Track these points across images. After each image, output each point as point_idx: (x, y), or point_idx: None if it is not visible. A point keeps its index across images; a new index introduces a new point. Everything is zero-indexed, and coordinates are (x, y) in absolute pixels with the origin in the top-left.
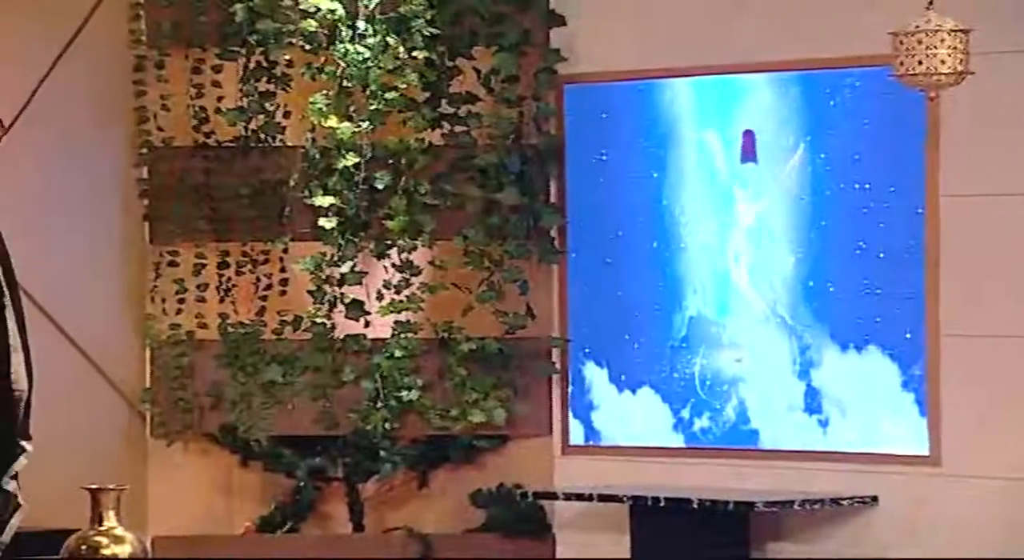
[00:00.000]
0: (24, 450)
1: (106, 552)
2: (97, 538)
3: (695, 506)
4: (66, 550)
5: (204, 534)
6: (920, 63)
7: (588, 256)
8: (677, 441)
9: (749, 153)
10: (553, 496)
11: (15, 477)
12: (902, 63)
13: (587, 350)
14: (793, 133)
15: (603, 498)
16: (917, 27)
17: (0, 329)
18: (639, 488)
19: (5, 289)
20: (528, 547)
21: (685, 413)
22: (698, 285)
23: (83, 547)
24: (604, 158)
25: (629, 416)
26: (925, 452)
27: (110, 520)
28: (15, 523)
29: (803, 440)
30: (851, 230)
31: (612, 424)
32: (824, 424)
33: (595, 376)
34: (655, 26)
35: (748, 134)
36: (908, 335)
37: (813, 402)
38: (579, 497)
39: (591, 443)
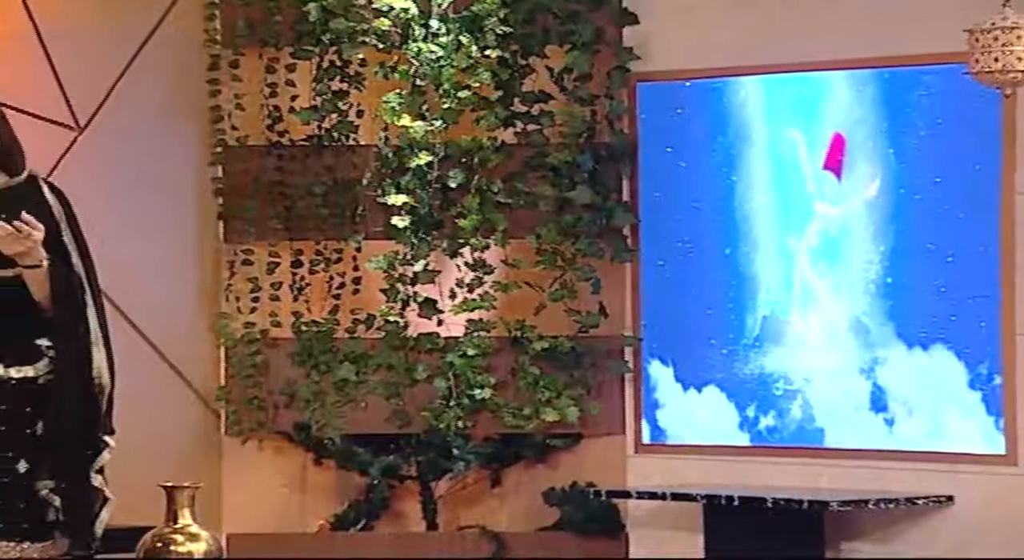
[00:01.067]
0: (107, 444)
1: (181, 549)
2: (173, 535)
3: (769, 505)
4: (142, 547)
5: (278, 532)
6: (996, 60)
7: (660, 255)
8: (742, 440)
9: (835, 162)
10: (626, 495)
11: (100, 471)
12: (977, 61)
13: (653, 348)
14: (867, 131)
15: (676, 497)
16: (993, 24)
17: (83, 326)
18: (712, 487)
19: (87, 287)
20: (601, 546)
21: (751, 412)
22: (771, 284)
23: (159, 544)
24: (677, 156)
25: (694, 415)
26: (1000, 451)
27: (185, 518)
28: (104, 517)
29: (868, 439)
30: (924, 229)
31: (678, 422)
32: (890, 423)
33: (660, 374)
34: (729, 24)
35: (837, 140)
36: (977, 334)
37: (879, 401)
38: (652, 496)
39: (659, 441)
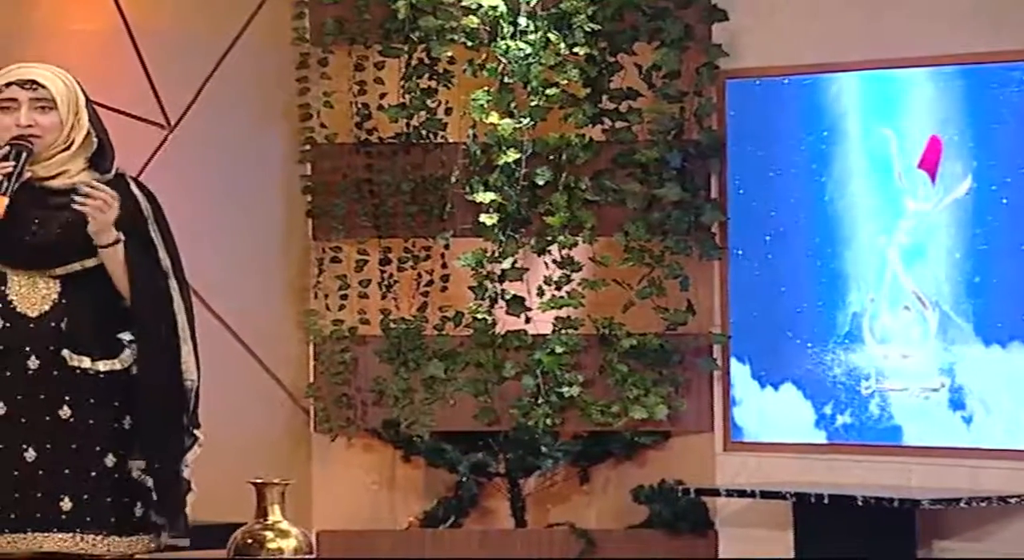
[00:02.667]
0: (197, 438)
1: (271, 546)
2: (263, 532)
3: (859, 504)
4: (233, 543)
5: (367, 529)
6: None
7: (749, 252)
8: (819, 438)
9: (931, 163)
10: (715, 493)
11: (188, 464)
12: None
13: (736, 345)
14: (957, 128)
15: (766, 495)
16: None
17: (169, 321)
18: (802, 485)
19: (174, 282)
20: (690, 544)
21: (828, 409)
22: (860, 281)
23: (250, 541)
24: (766, 153)
25: (771, 412)
26: None
27: (275, 514)
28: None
29: (947, 437)
30: (1014, 226)
31: (755, 420)
32: (967, 421)
33: (737, 372)
34: (819, 20)
35: (934, 143)
36: None
37: (957, 399)
38: (741, 494)
39: (737, 439)
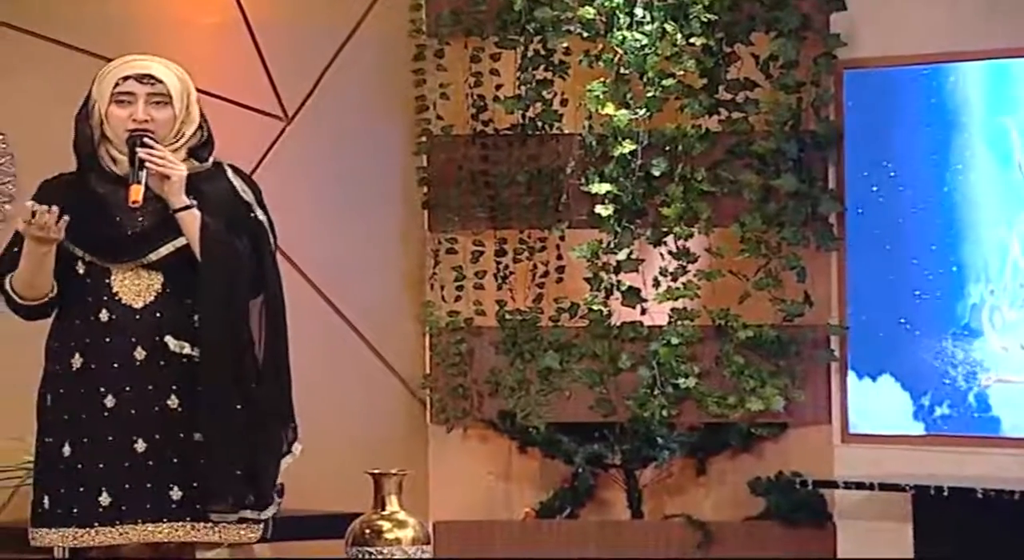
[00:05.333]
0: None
1: (389, 536)
2: (380, 522)
3: (979, 496)
4: (351, 533)
5: (484, 520)
6: None
7: (867, 243)
8: (917, 429)
9: None
10: (833, 484)
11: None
12: None
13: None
14: None
15: (884, 487)
16: None
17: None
18: (921, 477)
19: (267, 272)
20: (808, 536)
21: (926, 400)
22: (980, 273)
23: (367, 531)
24: (884, 144)
25: (869, 403)
26: None
27: (393, 505)
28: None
29: None
30: None
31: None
32: None
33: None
34: (937, 9)
35: None
36: None
37: None
38: (860, 486)
39: (869, 431)
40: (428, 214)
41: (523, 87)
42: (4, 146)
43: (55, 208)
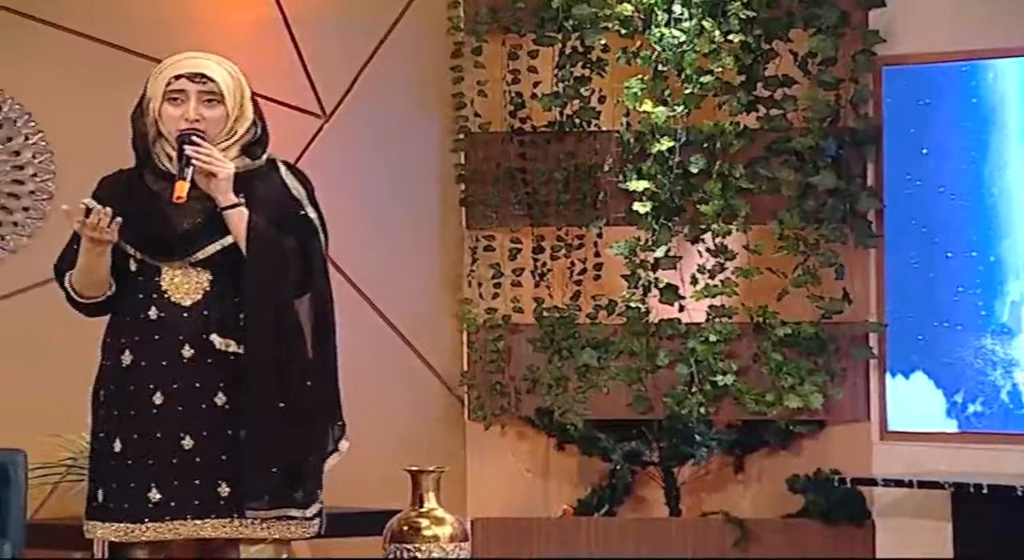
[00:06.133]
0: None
1: (427, 533)
2: (418, 519)
3: (1019, 493)
4: (389, 530)
5: (522, 517)
6: None
7: (905, 240)
8: (950, 426)
9: None
10: (872, 482)
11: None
12: None
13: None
14: None
15: (923, 485)
16: None
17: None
18: (959, 475)
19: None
20: (846, 534)
21: (958, 397)
22: (1019, 270)
23: (405, 528)
24: (923, 141)
25: (902, 400)
26: None
27: (430, 501)
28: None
29: None
30: None
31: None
32: None
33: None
34: (977, 6)
35: None
36: None
37: None
38: (899, 484)
39: (908, 429)
40: (465, 211)
41: (561, 84)
42: (44, 144)
43: (108, 209)
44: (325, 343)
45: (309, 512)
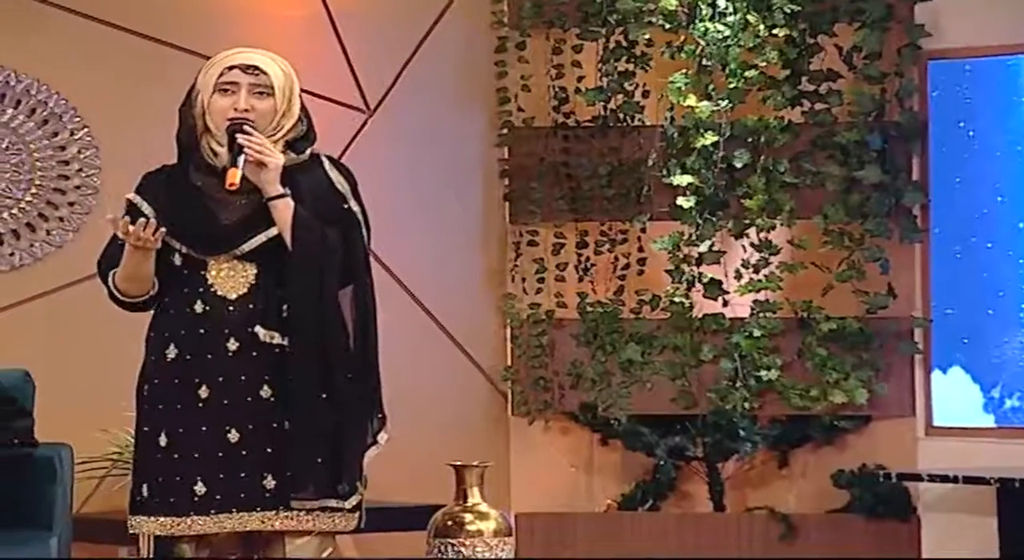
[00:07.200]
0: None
1: (471, 528)
2: (463, 514)
3: None
4: (433, 525)
5: (566, 511)
6: None
7: (951, 234)
8: (987, 421)
9: None
10: (917, 477)
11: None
12: None
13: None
14: None
15: (968, 480)
16: None
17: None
18: (1004, 470)
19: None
20: (891, 529)
21: (995, 392)
22: None
23: (449, 522)
24: (969, 135)
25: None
26: None
27: (475, 496)
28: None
29: None
30: None
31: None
32: None
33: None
34: None
35: None
36: None
37: None
38: (944, 479)
39: (953, 424)
40: (509, 206)
41: (605, 79)
42: (89, 139)
43: (153, 221)
44: (366, 336)
45: (349, 504)
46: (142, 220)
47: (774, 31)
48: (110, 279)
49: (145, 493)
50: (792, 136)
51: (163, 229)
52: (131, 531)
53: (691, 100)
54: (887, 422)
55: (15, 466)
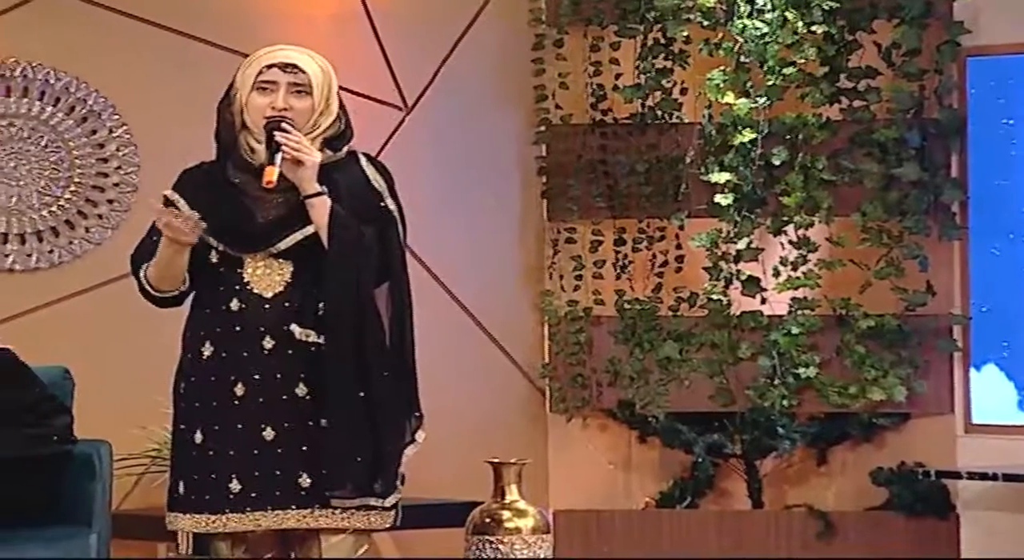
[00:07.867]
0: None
1: (509, 525)
2: (500, 511)
3: None
4: (471, 522)
5: (604, 508)
6: None
7: (990, 232)
8: (1021, 419)
9: None
10: (956, 475)
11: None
12: None
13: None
14: None
15: (1008, 478)
16: None
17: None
18: None
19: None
20: (930, 527)
21: None
22: None
23: (487, 519)
24: (1008, 132)
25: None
26: None
27: (512, 494)
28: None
29: None
30: None
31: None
32: None
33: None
34: None
35: None
36: None
37: None
38: (983, 477)
39: (993, 422)
40: (547, 203)
41: (643, 76)
42: (128, 136)
43: (195, 214)
44: (403, 334)
45: (387, 502)
46: (185, 214)
47: (812, 28)
48: (142, 272)
49: (181, 490)
50: (830, 133)
51: (203, 224)
52: (169, 527)
53: (729, 97)
54: (926, 420)
55: (55, 463)
